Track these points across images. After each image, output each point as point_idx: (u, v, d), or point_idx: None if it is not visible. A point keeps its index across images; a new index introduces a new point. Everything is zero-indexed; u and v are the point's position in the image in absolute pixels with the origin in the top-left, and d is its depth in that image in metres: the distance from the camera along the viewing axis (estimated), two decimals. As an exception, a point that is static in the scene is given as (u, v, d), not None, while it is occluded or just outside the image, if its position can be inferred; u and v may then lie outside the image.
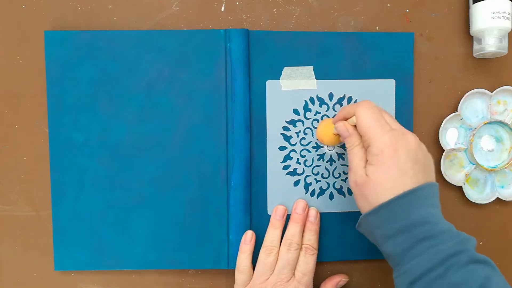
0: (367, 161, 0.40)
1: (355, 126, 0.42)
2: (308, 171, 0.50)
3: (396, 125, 0.41)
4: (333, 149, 0.50)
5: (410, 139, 0.40)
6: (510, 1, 0.49)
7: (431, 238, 0.37)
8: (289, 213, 0.50)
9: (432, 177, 0.41)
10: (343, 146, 0.50)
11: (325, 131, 0.47)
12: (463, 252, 0.36)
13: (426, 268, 0.36)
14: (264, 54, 0.49)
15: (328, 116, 0.50)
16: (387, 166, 0.38)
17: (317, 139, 0.50)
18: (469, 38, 0.52)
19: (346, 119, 0.44)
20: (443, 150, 0.51)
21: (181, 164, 0.49)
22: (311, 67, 0.50)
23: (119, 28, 0.50)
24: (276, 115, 0.50)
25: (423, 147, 0.41)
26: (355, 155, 0.41)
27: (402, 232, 0.38)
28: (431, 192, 0.39)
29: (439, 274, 0.36)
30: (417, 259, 0.37)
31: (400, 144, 0.39)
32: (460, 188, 0.52)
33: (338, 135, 0.45)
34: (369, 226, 0.40)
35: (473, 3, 0.50)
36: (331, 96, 0.50)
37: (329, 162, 0.51)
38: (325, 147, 0.50)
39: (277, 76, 0.49)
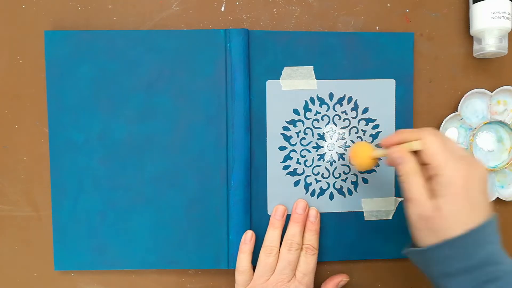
0: (431, 191, 0.37)
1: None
2: (308, 171, 0.50)
3: (463, 152, 0.39)
4: (333, 149, 0.50)
5: (480, 168, 0.37)
6: (510, 1, 0.49)
7: (498, 279, 0.35)
8: (289, 213, 0.50)
9: (490, 207, 0.38)
10: (343, 147, 0.51)
11: (363, 155, 0.45)
12: None
13: None
14: (264, 54, 0.49)
15: (328, 117, 0.50)
16: (460, 198, 0.36)
17: (349, 162, 0.49)
18: (469, 38, 0.52)
19: (400, 144, 0.41)
20: (443, 150, 0.51)
21: (181, 164, 0.49)
22: (311, 67, 0.50)
23: (119, 28, 0.50)
24: (276, 115, 0.50)
25: (488, 175, 0.38)
26: (415, 184, 0.38)
27: (466, 272, 0.36)
28: (495, 226, 0.37)
29: None
30: None
31: (472, 174, 0.37)
32: (460, 188, 0.52)
33: (376, 159, 0.44)
34: (427, 261, 0.38)
35: (473, 3, 0.50)
36: (331, 96, 0.50)
37: (329, 162, 0.51)
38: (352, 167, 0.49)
39: (277, 76, 0.49)
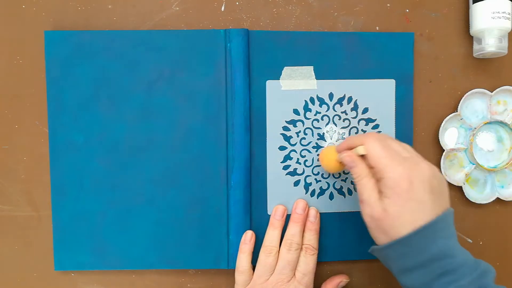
0: (379, 191, 0.39)
1: (360, 156, 0.42)
2: (308, 171, 0.50)
3: (407, 153, 0.40)
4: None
5: (424, 168, 0.38)
6: (510, 1, 0.49)
7: (451, 272, 0.36)
8: (289, 213, 0.50)
9: (447, 203, 0.40)
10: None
11: (328, 158, 0.47)
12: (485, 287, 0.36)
13: None
14: (264, 54, 0.49)
15: (328, 117, 0.50)
16: (405, 199, 0.37)
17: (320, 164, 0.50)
18: (469, 38, 0.52)
19: (350, 149, 0.43)
20: (443, 150, 0.51)
21: (181, 164, 0.49)
22: (311, 67, 0.50)
23: (119, 28, 0.50)
24: (276, 115, 0.50)
25: (437, 173, 0.39)
26: (364, 186, 0.40)
27: (420, 267, 0.37)
28: (448, 222, 0.38)
29: None
30: None
31: (415, 175, 0.38)
32: (460, 188, 0.52)
33: (341, 162, 0.45)
34: (386, 257, 0.40)
35: (473, 3, 0.50)
36: (331, 96, 0.50)
37: (329, 162, 0.51)
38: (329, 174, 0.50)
39: (277, 76, 0.49)
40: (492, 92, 0.51)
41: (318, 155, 0.50)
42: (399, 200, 0.37)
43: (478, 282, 0.36)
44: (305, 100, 0.50)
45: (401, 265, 0.38)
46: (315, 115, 0.50)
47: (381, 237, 0.39)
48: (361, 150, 0.41)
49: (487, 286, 0.36)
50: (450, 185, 0.52)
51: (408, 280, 0.38)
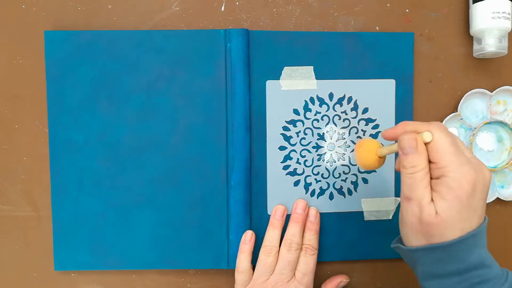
0: (433, 192, 0.35)
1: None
2: (308, 171, 0.50)
3: (470, 154, 0.36)
4: (333, 149, 0.50)
5: (486, 174, 0.35)
6: (510, 1, 0.49)
7: (486, 282, 0.34)
8: (289, 213, 0.50)
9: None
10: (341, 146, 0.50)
11: (368, 151, 0.40)
12: None
13: None
14: (264, 54, 0.49)
15: (328, 117, 0.50)
16: (464, 205, 0.34)
17: (355, 162, 0.48)
18: (469, 38, 0.52)
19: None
20: (443, 150, 0.51)
21: (181, 164, 0.49)
22: (311, 67, 0.50)
23: (119, 28, 0.50)
24: (276, 115, 0.50)
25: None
26: (420, 182, 0.35)
27: (455, 274, 0.35)
28: (485, 230, 0.36)
29: None
30: None
31: (479, 180, 0.34)
32: (460, 188, 0.52)
33: (382, 157, 0.40)
34: (415, 260, 0.37)
35: (473, 3, 0.50)
36: (331, 96, 0.50)
37: (329, 162, 0.51)
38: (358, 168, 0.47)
39: (277, 76, 0.49)
40: (492, 92, 0.51)
41: (352, 150, 0.46)
42: (458, 205, 0.34)
43: None
44: (305, 100, 0.50)
45: (433, 270, 0.35)
46: (315, 115, 0.50)
47: (418, 239, 0.35)
48: (427, 136, 0.35)
49: None
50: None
51: (436, 286, 0.36)
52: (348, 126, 0.50)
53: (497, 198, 0.52)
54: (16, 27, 0.50)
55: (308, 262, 0.47)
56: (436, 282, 0.35)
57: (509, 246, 0.54)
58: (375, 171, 0.50)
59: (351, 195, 0.51)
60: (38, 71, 0.50)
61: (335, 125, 0.50)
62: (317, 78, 0.50)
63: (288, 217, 0.49)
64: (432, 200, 0.35)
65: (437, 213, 0.34)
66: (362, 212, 0.51)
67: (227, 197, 0.49)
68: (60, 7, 0.50)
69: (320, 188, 0.50)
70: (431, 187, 0.35)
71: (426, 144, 0.35)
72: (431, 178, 0.35)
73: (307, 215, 0.49)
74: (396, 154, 0.38)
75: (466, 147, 0.37)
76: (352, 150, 0.51)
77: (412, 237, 0.36)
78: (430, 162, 0.35)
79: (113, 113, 0.49)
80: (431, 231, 0.34)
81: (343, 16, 0.51)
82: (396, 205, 0.51)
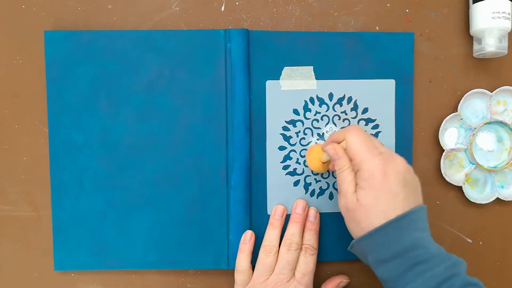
0: (357, 185, 0.40)
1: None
2: (308, 171, 0.50)
3: (384, 148, 0.42)
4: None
5: (398, 162, 0.40)
6: (510, 1, 0.49)
7: (425, 262, 0.37)
8: (288, 213, 0.50)
9: (420, 200, 0.41)
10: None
11: (314, 157, 0.47)
12: (456, 276, 0.37)
13: None
14: (264, 54, 0.49)
15: (328, 117, 0.50)
16: (378, 190, 0.39)
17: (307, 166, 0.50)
18: (469, 38, 0.52)
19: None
20: (443, 150, 0.51)
21: (181, 164, 0.49)
22: (311, 67, 0.50)
23: (119, 28, 0.50)
24: (276, 115, 0.50)
25: (411, 169, 0.41)
26: (344, 179, 0.41)
27: (395, 257, 0.38)
28: (421, 216, 0.40)
29: None
30: (412, 284, 0.37)
31: (390, 167, 0.39)
32: (460, 188, 0.52)
33: (326, 162, 0.47)
34: (362, 250, 0.40)
35: (473, 3, 0.50)
36: (331, 96, 0.50)
37: (329, 162, 0.51)
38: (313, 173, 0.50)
39: (277, 76, 0.49)
40: (492, 92, 0.51)
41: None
42: (373, 191, 0.39)
43: (450, 271, 0.37)
44: (305, 100, 0.50)
45: (377, 256, 0.39)
46: (315, 115, 0.50)
47: (356, 229, 0.40)
48: (344, 144, 0.42)
49: (460, 274, 0.37)
50: (450, 185, 0.52)
51: (384, 272, 0.39)
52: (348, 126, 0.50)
53: (497, 198, 0.52)
54: (16, 27, 0.50)
55: (308, 262, 0.47)
56: (384, 267, 0.39)
57: (509, 246, 0.54)
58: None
59: (351, 195, 0.51)
60: (38, 71, 0.50)
61: (335, 125, 0.50)
62: (317, 78, 0.50)
63: (288, 217, 0.49)
64: (355, 191, 0.40)
65: (358, 200, 0.40)
66: (362, 212, 0.51)
67: (227, 197, 0.49)
68: (60, 7, 0.50)
69: (320, 188, 0.51)
70: (355, 182, 0.41)
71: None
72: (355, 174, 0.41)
73: (307, 215, 0.49)
74: None
75: (381, 143, 0.42)
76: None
77: (352, 228, 0.41)
78: (351, 160, 0.41)
79: (113, 113, 0.49)
80: (357, 217, 0.39)
81: (343, 16, 0.51)
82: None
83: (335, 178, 0.51)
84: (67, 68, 0.48)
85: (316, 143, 0.50)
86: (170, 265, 0.50)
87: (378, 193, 0.39)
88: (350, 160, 0.41)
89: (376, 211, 0.39)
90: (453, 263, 0.38)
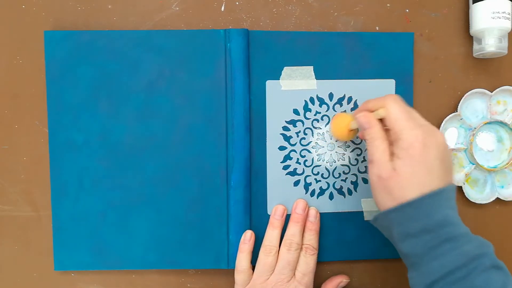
0: (390, 154, 0.39)
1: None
2: (308, 171, 0.50)
3: (424, 121, 0.40)
4: (333, 149, 0.50)
5: (439, 136, 0.39)
6: (510, 1, 0.49)
7: (454, 239, 0.37)
8: (289, 213, 0.50)
9: (452, 179, 0.40)
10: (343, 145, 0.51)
11: (340, 125, 0.46)
12: (486, 255, 0.37)
13: (449, 269, 0.36)
14: (264, 54, 0.49)
15: (328, 117, 0.50)
16: (416, 161, 0.38)
17: (330, 133, 0.50)
18: (469, 38, 0.52)
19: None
20: (443, 150, 0.51)
21: (181, 164, 0.49)
22: (311, 67, 0.50)
23: (119, 28, 0.50)
24: (276, 115, 0.50)
25: (448, 147, 0.40)
26: (377, 147, 0.40)
27: (425, 232, 0.37)
28: (453, 194, 0.39)
29: (462, 276, 0.36)
30: (440, 260, 0.36)
31: (430, 140, 0.38)
32: (460, 188, 0.52)
33: (353, 130, 0.45)
34: (389, 222, 0.39)
35: (473, 3, 0.50)
36: (331, 96, 0.50)
37: (329, 162, 0.51)
38: (335, 142, 0.50)
39: (277, 76, 0.49)
40: (492, 92, 0.51)
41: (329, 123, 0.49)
42: (411, 161, 0.38)
43: (480, 250, 0.37)
44: (305, 100, 0.50)
45: (405, 229, 0.38)
46: (315, 115, 0.50)
47: (386, 200, 0.39)
48: (381, 112, 0.41)
49: (488, 254, 0.37)
50: (450, 185, 0.52)
51: (410, 246, 0.38)
52: (348, 126, 0.50)
53: (497, 198, 0.52)
54: (16, 27, 0.50)
55: (308, 262, 0.47)
56: (410, 241, 0.38)
57: (509, 246, 0.54)
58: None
59: (351, 195, 0.51)
60: (38, 71, 0.50)
61: (335, 125, 0.50)
62: (317, 78, 0.50)
63: (288, 217, 0.49)
64: (390, 160, 0.39)
65: (394, 169, 0.38)
66: (362, 212, 0.51)
67: (227, 197, 0.49)
68: (60, 7, 0.50)
69: (320, 188, 0.51)
70: (390, 151, 0.40)
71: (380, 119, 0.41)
72: (391, 145, 0.40)
73: (307, 215, 0.49)
74: None
75: (420, 115, 0.41)
76: (352, 150, 0.51)
77: (381, 198, 0.40)
78: (388, 129, 0.40)
79: (113, 113, 0.49)
80: (390, 186, 0.38)
81: (343, 16, 0.51)
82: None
83: (335, 178, 0.51)
84: (67, 68, 0.48)
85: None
86: (170, 265, 0.50)
87: (416, 164, 0.38)
88: (387, 129, 0.40)
89: (412, 183, 0.37)
90: (482, 243, 0.38)
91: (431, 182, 0.38)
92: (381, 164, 0.39)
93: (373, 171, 0.40)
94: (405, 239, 0.38)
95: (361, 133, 0.45)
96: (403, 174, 0.38)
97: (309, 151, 0.50)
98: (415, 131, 0.38)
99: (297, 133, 0.50)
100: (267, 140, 0.50)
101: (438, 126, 0.51)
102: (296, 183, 0.50)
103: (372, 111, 0.42)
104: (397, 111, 0.39)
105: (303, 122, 0.50)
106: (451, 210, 0.38)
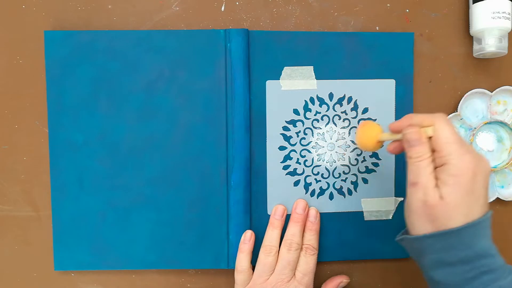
0: (438, 179, 0.37)
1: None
2: (308, 171, 0.50)
3: (470, 146, 0.39)
4: (333, 149, 0.50)
5: (486, 164, 0.37)
6: (510, 1, 0.49)
7: (493, 272, 0.36)
8: (289, 213, 0.50)
9: (488, 205, 0.39)
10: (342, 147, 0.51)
11: (369, 134, 0.43)
12: None
13: None
14: (264, 54, 0.49)
15: (328, 117, 0.50)
16: (465, 190, 0.36)
17: (354, 143, 0.49)
18: (469, 38, 0.52)
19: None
20: (443, 150, 0.51)
21: (181, 164, 0.49)
22: (311, 67, 0.50)
23: (119, 28, 0.50)
24: (276, 115, 0.50)
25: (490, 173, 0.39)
26: (424, 169, 0.37)
27: (464, 262, 0.36)
28: (490, 222, 0.38)
29: None
30: None
31: (480, 169, 0.36)
32: (460, 188, 0.52)
33: (381, 142, 0.43)
34: (422, 247, 0.38)
35: (473, 3, 0.50)
36: (331, 96, 0.50)
37: (329, 162, 0.51)
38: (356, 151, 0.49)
39: (277, 76, 0.49)
40: (492, 92, 0.51)
41: (355, 132, 0.48)
42: (461, 190, 0.36)
43: None
44: (305, 100, 0.50)
45: (441, 258, 0.37)
46: (315, 115, 0.50)
47: (425, 226, 0.37)
48: (430, 131, 0.38)
49: None
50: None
51: (444, 275, 0.37)
52: (348, 126, 0.50)
53: (497, 198, 0.52)
54: (16, 27, 0.50)
55: (308, 262, 0.47)
56: (446, 270, 0.36)
57: (509, 246, 0.54)
58: (374, 170, 0.50)
59: (351, 195, 0.51)
60: (38, 71, 0.50)
61: (335, 125, 0.50)
62: (317, 78, 0.50)
63: (288, 217, 0.49)
64: (436, 186, 0.37)
65: (441, 197, 0.36)
66: (362, 212, 0.51)
67: (227, 197, 0.49)
68: (60, 7, 0.50)
69: (320, 188, 0.50)
70: (435, 175, 0.37)
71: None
72: (435, 168, 0.37)
73: (307, 215, 0.49)
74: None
75: (466, 140, 0.39)
76: (352, 150, 0.51)
77: (419, 224, 0.37)
78: (433, 151, 0.38)
79: (113, 113, 0.49)
80: (436, 214, 0.36)
81: (343, 16, 0.51)
82: (396, 205, 0.51)
83: (336, 178, 0.51)
84: (67, 68, 0.48)
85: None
86: (170, 265, 0.50)
87: (465, 193, 0.36)
88: (433, 150, 0.38)
89: (459, 212, 0.36)
90: None
91: (476, 211, 0.36)
92: (428, 189, 0.37)
93: (418, 196, 0.37)
94: (439, 267, 0.37)
95: (392, 148, 0.42)
96: (450, 203, 0.36)
97: (309, 151, 0.50)
98: (466, 157, 0.36)
99: (297, 133, 0.50)
100: (267, 140, 0.50)
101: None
102: (296, 183, 0.50)
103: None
104: (448, 133, 0.37)
105: (303, 122, 0.50)
106: (489, 241, 0.37)
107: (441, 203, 0.36)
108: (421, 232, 0.37)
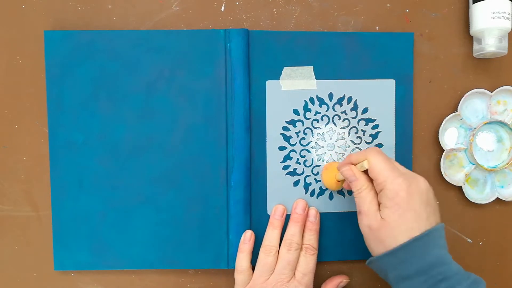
0: (377, 203, 0.41)
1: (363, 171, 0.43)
2: (308, 171, 0.50)
3: (405, 169, 0.42)
4: (333, 149, 0.50)
5: (421, 182, 0.41)
6: (510, 1, 0.49)
7: (448, 279, 0.38)
8: (289, 213, 0.50)
9: (439, 218, 0.42)
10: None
11: (329, 176, 0.48)
12: None
13: None
14: (264, 54, 0.49)
15: (328, 117, 0.50)
16: (403, 209, 0.39)
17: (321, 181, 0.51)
18: (469, 38, 0.52)
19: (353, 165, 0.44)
20: (443, 150, 0.51)
21: (181, 164, 0.49)
22: (311, 67, 0.50)
23: (119, 28, 0.50)
24: (276, 115, 0.50)
25: (431, 189, 0.42)
26: (364, 199, 0.42)
27: (419, 273, 0.38)
28: (442, 233, 0.41)
29: None
30: None
31: (414, 187, 0.40)
32: (460, 188, 0.52)
33: (341, 181, 0.47)
34: (383, 267, 0.41)
35: (473, 3, 0.50)
36: (331, 96, 0.50)
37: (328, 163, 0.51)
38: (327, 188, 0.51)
39: (277, 76, 0.49)
40: (492, 92, 0.51)
41: (319, 172, 0.51)
42: (399, 210, 0.39)
43: None
44: (305, 100, 0.50)
45: (400, 273, 0.40)
46: (315, 115, 0.50)
47: (378, 248, 0.41)
48: (365, 164, 0.42)
49: None
50: (450, 185, 0.52)
51: None
52: (348, 126, 0.51)
53: (497, 198, 0.52)
54: (16, 27, 0.50)
55: (308, 262, 0.47)
56: (406, 283, 0.39)
57: (509, 246, 0.54)
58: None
59: (351, 195, 0.51)
60: (38, 71, 0.50)
61: (335, 125, 0.50)
62: (317, 78, 0.50)
63: (288, 217, 0.49)
64: (378, 210, 0.41)
65: (383, 219, 0.40)
66: (362, 212, 0.51)
67: (227, 197, 0.49)
68: (60, 7, 0.50)
69: (320, 188, 0.51)
70: (377, 200, 0.42)
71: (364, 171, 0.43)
72: (377, 194, 0.42)
73: (307, 215, 0.49)
74: None
75: (401, 165, 0.43)
76: (352, 150, 0.51)
77: (373, 246, 0.42)
78: (373, 180, 0.42)
79: (113, 113, 0.49)
80: (382, 235, 0.40)
81: (343, 16, 0.51)
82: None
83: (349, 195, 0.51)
84: (67, 68, 0.48)
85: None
86: (170, 265, 0.50)
87: (404, 211, 0.39)
88: (371, 180, 0.42)
89: (402, 229, 0.39)
90: (474, 281, 0.39)
91: (419, 226, 0.39)
92: (370, 215, 0.41)
93: (363, 223, 0.42)
94: (401, 282, 0.40)
95: (346, 185, 0.46)
96: (392, 223, 0.39)
97: (309, 151, 0.50)
98: (398, 180, 0.40)
99: (297, 133, 0.50)
100: (267, 140, 0.50)
101: (438, 126, 0.51)
102: (296, 183, 0.50)
103: (355, 164, 0.44)
104: (378, 162, 0.41)
105: (303, 122, 0.50)
106: (442, 250, 0.40)
107: (384, 224, 0.40)
108: (379, 253, 0.41)
